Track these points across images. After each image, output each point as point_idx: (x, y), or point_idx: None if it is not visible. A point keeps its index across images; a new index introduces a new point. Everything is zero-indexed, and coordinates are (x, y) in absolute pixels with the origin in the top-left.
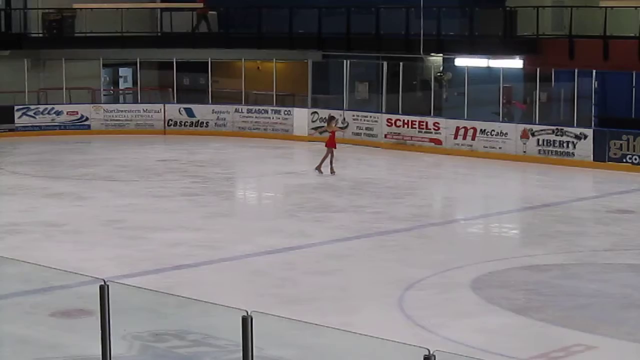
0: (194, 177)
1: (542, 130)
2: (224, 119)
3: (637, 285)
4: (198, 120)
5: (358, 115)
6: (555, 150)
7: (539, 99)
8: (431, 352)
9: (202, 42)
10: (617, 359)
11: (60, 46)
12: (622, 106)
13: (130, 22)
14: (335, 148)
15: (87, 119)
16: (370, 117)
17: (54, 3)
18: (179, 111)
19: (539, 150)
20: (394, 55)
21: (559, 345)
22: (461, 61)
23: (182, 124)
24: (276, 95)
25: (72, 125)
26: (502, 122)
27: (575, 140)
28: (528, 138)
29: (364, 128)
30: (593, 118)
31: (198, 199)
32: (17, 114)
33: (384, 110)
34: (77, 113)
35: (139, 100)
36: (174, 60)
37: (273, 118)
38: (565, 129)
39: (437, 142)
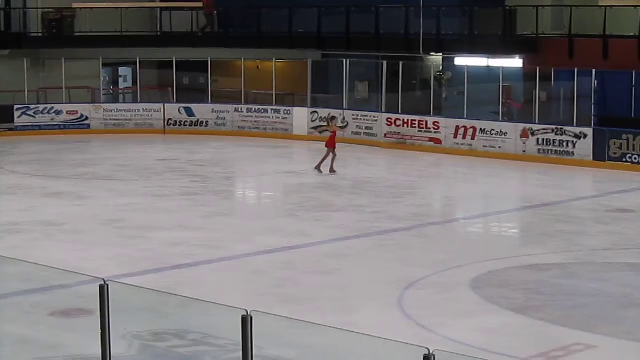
0: (194, 177)
1: (542, 130)
2: (224, 118)
3: (637, 285)
4: (198, 120)
5: (358, 115)
6: (555, 150)
7: (539, 99)
8: (431, 352)
9: (201, 42)
10: (616, 358)
11: (60, 46)
12: (622, 105)
13: (130, 22)
14: (334, 148)
15: (86, 118)
16: (370, 116)
17: (54, 3)
18: (179, 111)
19: (539, 149)
20: (394, 55)
21: (558, 344)
22: (461, 60)
23: (182, 123)
24: (276, 94)
25: (71, 124)
26: (501, 121)
27: (575, 140)
28: (528, 137)
29: (363, 127)
30: (593, 117)
31: (198, 199)
32: (16, 114)
33: (383, 110)
34: (76, 112)
35: (139, 100)
36: (174, 59)
37: (273, 117)
38: (565, 128)
39: (437, 141)
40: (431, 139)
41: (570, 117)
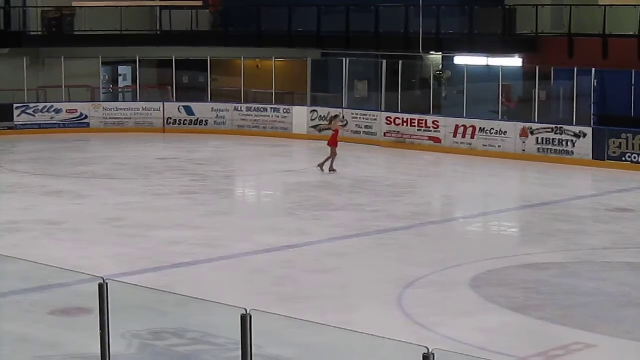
0: (193, 176)
1: (541, 129)
2: (223, 117)
3: (636, 284)
4: (197, 119)
5: (357, 114)
6: (555, 149)
7: (539, 98)
8: (430, 351)
9: (201, 40)
10: (616, 358)
11: (60, 44)
12: (622, 105)
13: (130, 20)
14: (336, 147)
15: (86, 117)
16: (370, 115)
17: (54, 1)
18: (178, 109)
19: (538, 148)
20: (394, 54)
21: (557, 343)
22: (460, 59)
23: (182, 122)
24: (275, 93)
25: (71, 123)
26: (501, 120)
27: (574, 139)
28: (527, 136)
29: (363, 126)
30: (592, 116)
31: (197, 197)
32: (16, 112)
33: (383, 109)
34: (76, 111)
35: (138, 99)
36: (174, 58)
37: (272, 116)
38: (564, 127)
39: (437, 140)
40: (431, 138)
41: (569, 117)
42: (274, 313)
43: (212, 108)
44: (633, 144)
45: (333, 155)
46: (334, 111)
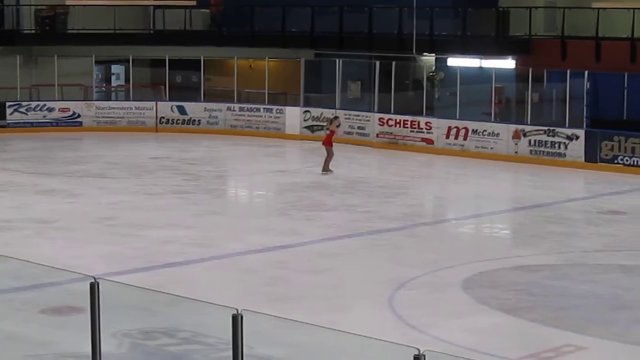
0: (186, 175)
1: (534, 131)
2: (216, 117)
3: (628, 286)
4: (190, 118)
5: (350, 115)
6: (547, 151)
7: (531, 100)
8: (421, 352)
9: (194, 40)
10: None
11: (53, 42)
12: (614, 107)
13: (123, 19)
14: (331, 147)
15: (79, 115)
16: (363, 116)
17: (47, 0)
18: (171, 109)
19: (531, 150)
20: (387, 55)
21: (549, 345)
22: (453, 61)
23: (174, 121)
24: (268, 93)
25: (64, 122)
26: (493, 122)
27: (566, 141)
28: (520, 138)
29: (356, 127)
30: (585, 119)
31: (189, 197)
32: (8, 110)
33: (376, 110)
34: (69, 110)
35: (131, 98)
36: (167, 57)
37: (265, 116)
38: (557, 129)
39: (429, 141)
40: (423, 139)
41: (562, 119)
42: (265, 313)
43: (205, 108)
44: (625, 147)
45: (330, 155)
46: (327, 112)
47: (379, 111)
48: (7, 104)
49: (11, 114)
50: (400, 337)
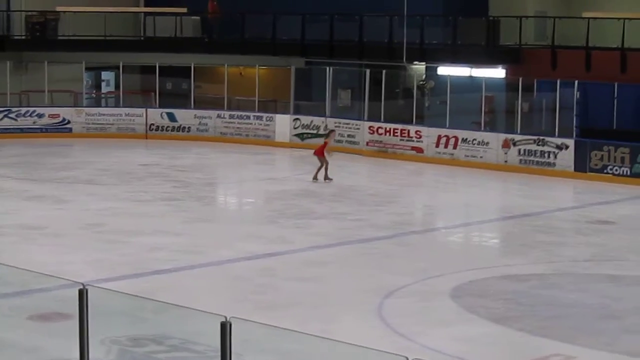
0: (175, 182)
1: (523, 140)
2: (206, 124)
3: (616, 296)
4: (180, 125)
5: (340, 123)
6: (537, 160)
7: (521, 109)
8: None
9: (185, 47)
10: None
11: (43, 49)
12: (604, 117)
13: (114, 26)
14: (324, 157)
15: (68, 122)
16: (352, 124)
17: (38, 5)
18: (161, 116)
19: (520, 159)
20: (377, 63)
21: (537, 355)
22: (444, 70)
23: (164, 128)
24: (258, 101)
25: (53, 128)
26: (483, 131)
27: (556, 151)
28: (509, 147)
29: (345, 135)
30: (574, 128)
31: (179, 204)
32: None
33: (366, 118)
34: (58, 116)
35: (121, 104)
36: (157, 64)
37: (255, 124)
38: (546, 139)
39: (419, 150)
40: (413, 148)
41: (552, 128)
42: (254, 321)
43: (195, 115)
44: (615, 157)
45: (325, 163)
46: (316, 119)
47: (369, 119)
48: None
49: (1, 119)
50: (389, 346)
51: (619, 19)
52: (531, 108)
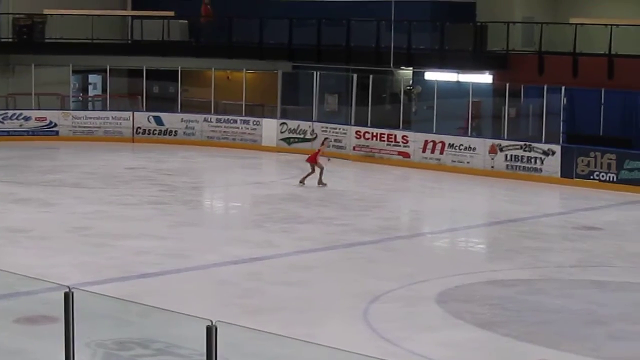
0: (162, 186)
1: (510, 146)
2: (193, 128)
3: (602, 302)
4: (167, 129)
5: (327, 127)
6: (523, 166)
7: (508, 115)
8: None
9: (172, 51)
10: None
11: (30, 51)
12: (591, 123)
13: (101, 29)
14: (315, 164)
15: (55, 125)
16: (339, 129)
17: (25, 8)
18: (148, 119)
19: (507, 165)
20: (364, 68)
21: None
22: (431, 75)
23: (151, 132)
24: (245, 105)
25: (40, 131)
26: (470, 136)
27: (543, 156)
28: (496, 153)
29: (332, 140)
30: (561, 134)
31: (165, 208)
32: None
33: (352, 123)
34: (45, 119)
35: (108, 108)
36: (144, 68)
37: (242, 128)
38: (533, 144)
39: (406, 155)
40: (400, 153)
41: (538, 134)
42: (240, 325)
43: (182, 118)
44: (601, 163)
45: (320, 169)
46: (303, 124)
47: (356, 124)
48: None
49: None
50: (374, 351)
51: (606, 25)
52: (518, 114)
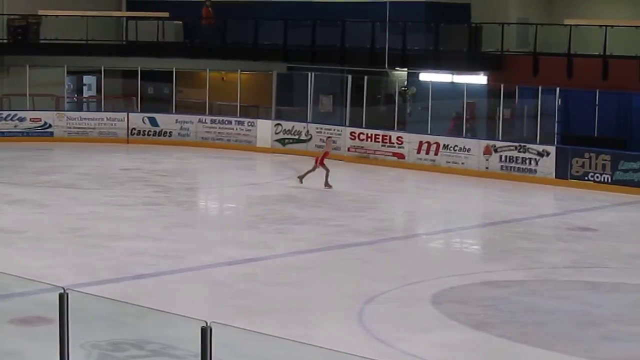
0: (156, 187)
1: (505, 147)
2: (188, 129)
3: (596, 303)
4: (161, 130)
5: (321, 128)
6: (518, 167)
7: (503, 115)
8: None
9: (167, 52)
10: None
11: (25, 52)
12: (585, 124)
13: (96, 30)
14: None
15: (50, 126)
16: (334, 130)
17: (19, 9)
18: (143, 120)
19: (502, 166)
20: (359, 69)
21: None
22: (425, 76)
23: (146, 133)
24: (240, 106)
25: (35, 132)
26: (465, 137)
27: (537, 157)
28: (491, 154)
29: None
30: (556, 135)
31: (160, 209)
32: None
33: (347, 124)
34: (40, 120)
35: (103, 109)
36: (139, 69)
37: (236, 129)
38: (528, 145)
39: (400, 156)
40: (394, 154)
41: (533, 135)
42: (235, 326)
43: (177, 119)
44: (596, 164)
45: (326, 171)
46: (298, 125)
47: (351, 125)
48: None
49: None
50: (369, 352)
51: (600, 26)
52: (513, 114)
